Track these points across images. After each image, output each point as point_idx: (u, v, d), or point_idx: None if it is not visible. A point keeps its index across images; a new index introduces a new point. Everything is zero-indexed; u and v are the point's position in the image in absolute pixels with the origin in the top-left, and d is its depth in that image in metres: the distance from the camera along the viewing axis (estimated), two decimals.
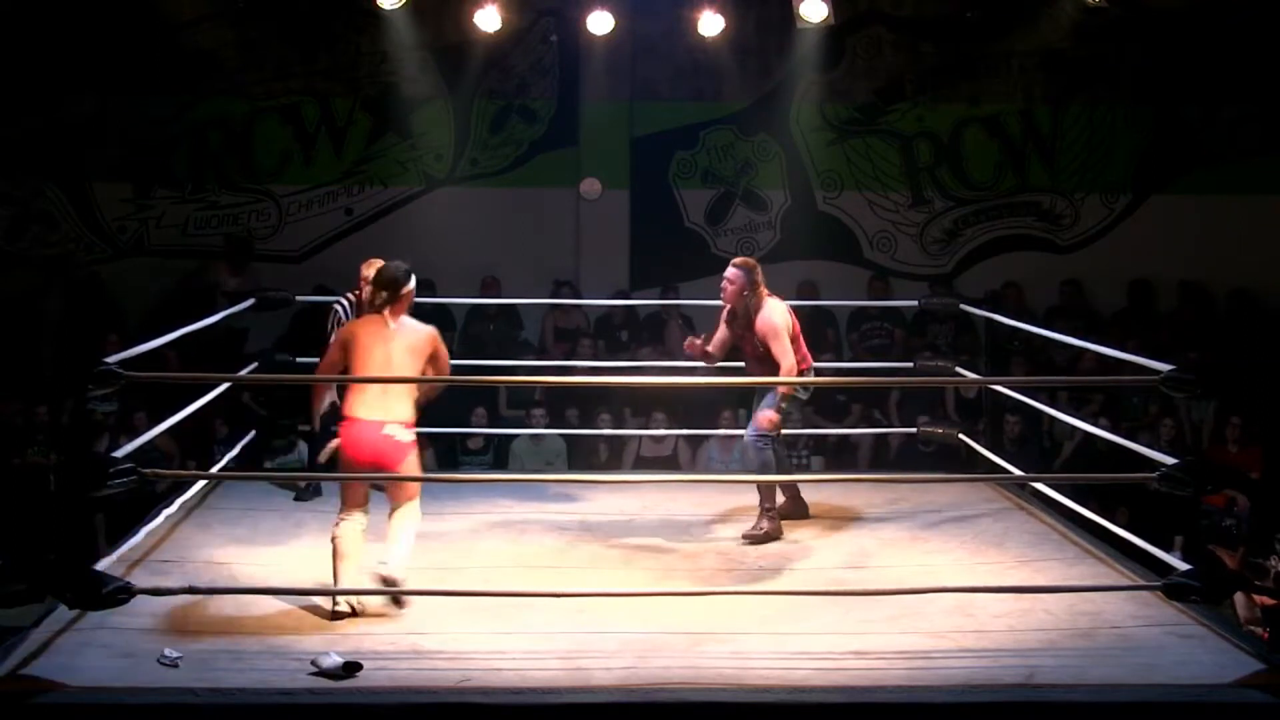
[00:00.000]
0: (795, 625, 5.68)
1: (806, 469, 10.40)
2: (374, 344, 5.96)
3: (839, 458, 10.68)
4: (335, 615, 5.75)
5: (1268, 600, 6.84)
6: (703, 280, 12.06)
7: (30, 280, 11.94)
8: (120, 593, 5.24)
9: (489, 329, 11.67)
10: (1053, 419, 9.51)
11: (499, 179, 12.40)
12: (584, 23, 11.26)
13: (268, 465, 9.34)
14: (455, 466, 10.20)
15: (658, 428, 10.24)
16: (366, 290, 7.32)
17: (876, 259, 12.56)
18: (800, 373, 7.10)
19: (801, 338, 7.27)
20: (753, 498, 7.37)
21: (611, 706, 4.94)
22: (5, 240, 12.12)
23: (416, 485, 6.09)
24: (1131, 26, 12.12)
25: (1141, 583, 6.03)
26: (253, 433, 8.87)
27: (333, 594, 5.82)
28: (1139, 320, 12.05)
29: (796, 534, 7.23)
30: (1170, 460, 5.59)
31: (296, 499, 7.77)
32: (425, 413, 6.20)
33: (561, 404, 10.80)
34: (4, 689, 4.93)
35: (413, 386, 5.97)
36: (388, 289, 6.08)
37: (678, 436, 10.28)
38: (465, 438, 10.32)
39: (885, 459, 10.73)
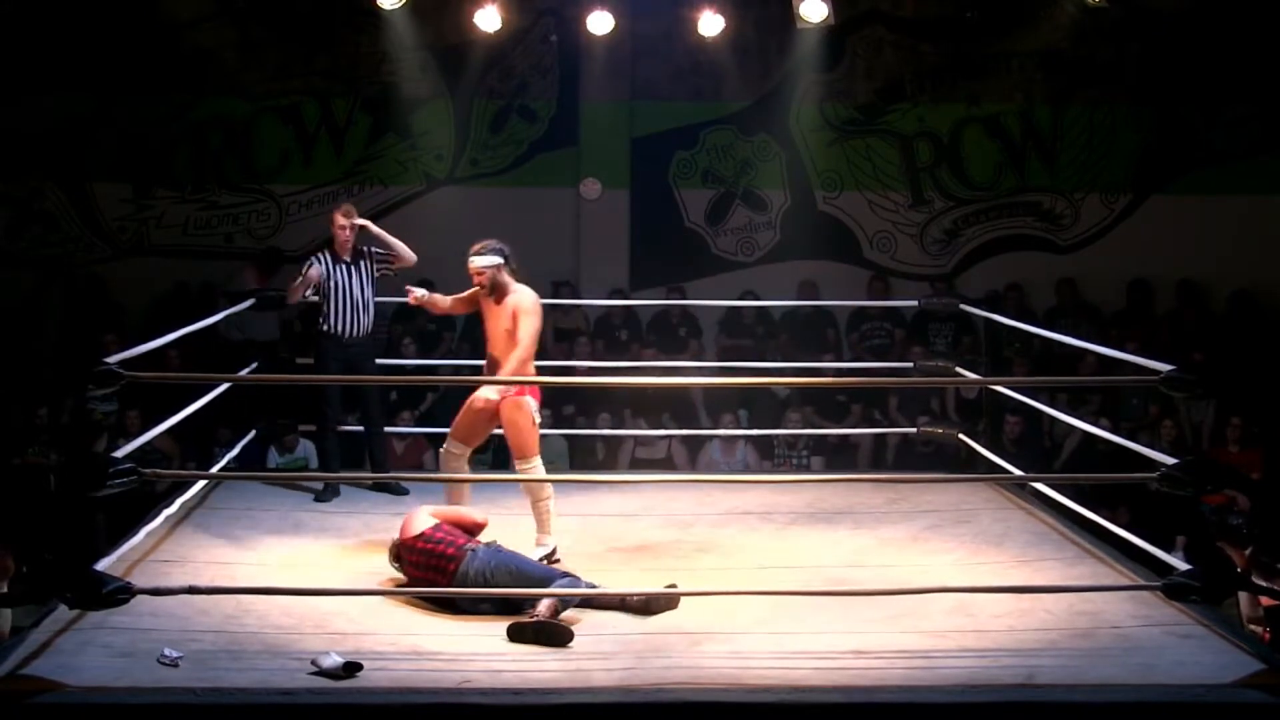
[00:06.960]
0: (795, 625, 5.67)
1: (807, 469, 10.40)
2: None
3: (839, 458, 10.67)
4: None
5: (1269, 600, 6.82)
6: (703, 280, 12.09)
7: (30, 280, 11.95)
8: (120, 593, 5.23)
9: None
10: (1053, 419, 9.50)
11: (499, 179, 12.39)
12: (584, 23, 11.26)
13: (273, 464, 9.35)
14: None
15: (659, 430, 10.22)
16: (344, 234, 7.87)
17: (876, 259, 12.55)
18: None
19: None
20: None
21: (611, 707, 4.93)
22: (5, 240, 12.12)
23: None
24: (1131, 26, 12.12)
25: (1141, 583, 6.03)
26: (253, 432, 8.86)
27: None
28: (1138, 320, 12.05)
29: (797, 534, 7.24)
30: (1170, 460, 5.59)
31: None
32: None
33: (562, 404, 10.79)
34: (4, 689, 4.92)
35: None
36: None
37: (672, 438, 10.26)
38: None
39: (885, 459, 10.73)
